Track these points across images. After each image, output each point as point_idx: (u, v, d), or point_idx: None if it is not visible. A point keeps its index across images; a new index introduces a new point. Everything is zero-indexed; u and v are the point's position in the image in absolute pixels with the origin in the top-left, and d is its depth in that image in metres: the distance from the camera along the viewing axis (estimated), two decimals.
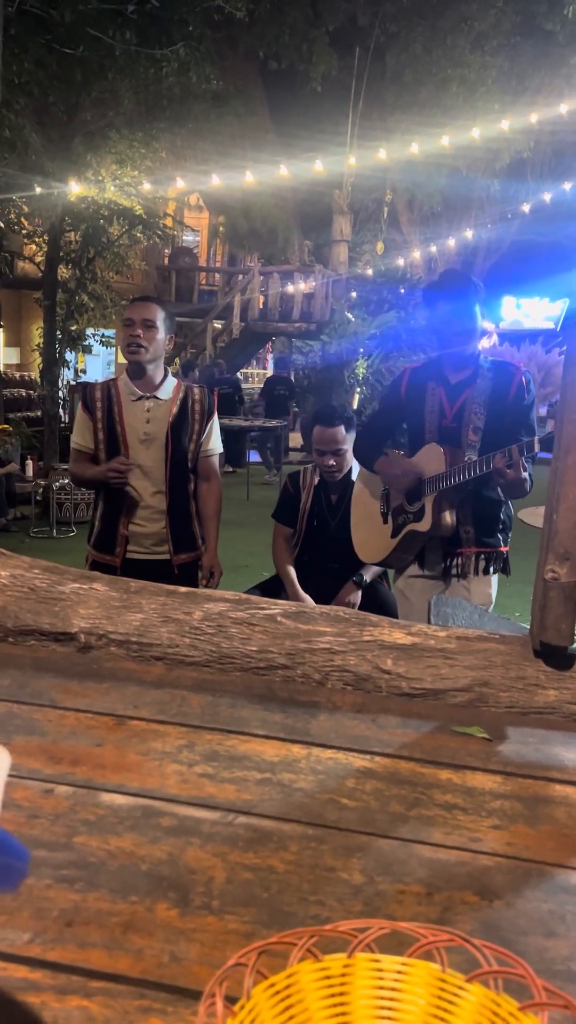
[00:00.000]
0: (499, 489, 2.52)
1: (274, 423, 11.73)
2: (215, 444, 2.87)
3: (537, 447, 2.20)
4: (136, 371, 2.72)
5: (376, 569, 3.11)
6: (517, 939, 0.80)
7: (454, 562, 2.59)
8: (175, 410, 2.75)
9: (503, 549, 2.61)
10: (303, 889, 0.85)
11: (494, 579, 2.63)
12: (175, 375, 2.88)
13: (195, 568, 2.88)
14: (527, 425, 2.48)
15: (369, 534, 2.83)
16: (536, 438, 2.23)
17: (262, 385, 14.88)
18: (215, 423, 2.86)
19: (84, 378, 15.13)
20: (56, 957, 0.74)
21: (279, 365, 14.20)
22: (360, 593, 3.09)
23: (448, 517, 2.50)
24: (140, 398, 2.73)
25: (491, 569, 2.60)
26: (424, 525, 2.53)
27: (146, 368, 2.72)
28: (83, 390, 2.86)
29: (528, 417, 2.49)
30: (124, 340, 2.70)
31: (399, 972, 0.61)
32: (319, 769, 1.09)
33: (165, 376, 2.78)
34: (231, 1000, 0.57)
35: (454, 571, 2.59)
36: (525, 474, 2.28)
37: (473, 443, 2.49)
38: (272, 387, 13.26)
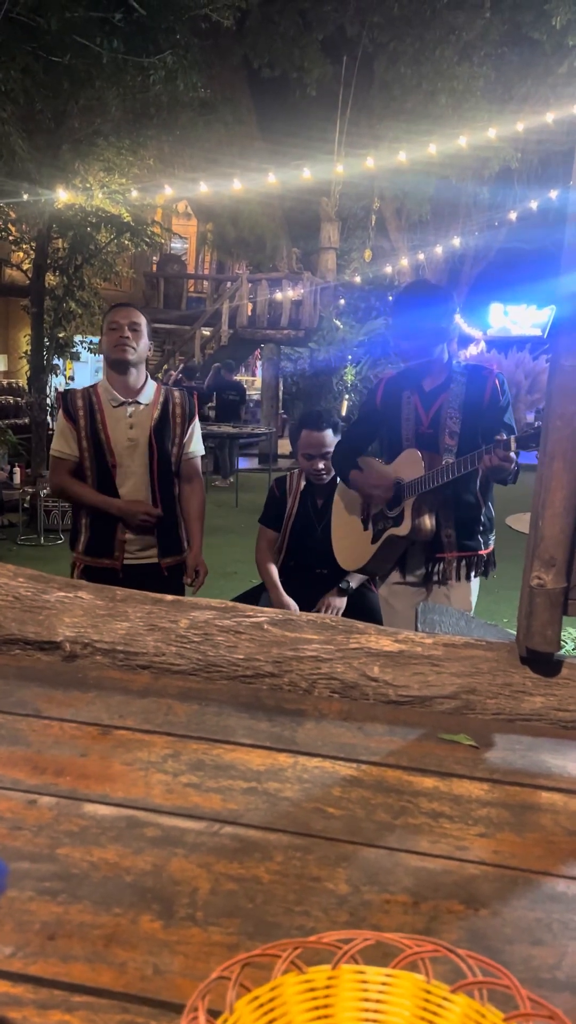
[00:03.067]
0: (478, 491, 2.54)
1: (262, 430, 11.77)
2: (197, 446, 2.89)
3: (514, 444, 2.18)
4: (119, 375, 2.72)
5: (362, 576, 3.11)
6: (503, 948, 0.79)
7: (436, 568, 2.60)
8: (156, 414, 2.75)
9: (483, 552, 2.61)
10: (288, 900, 0.84)
11: (475, 584, 2.64)
12: (155, 378, 2.88)
13: (181, 571, 2.88)
14: (506, 425, 2.48)
15: (349, 541, 2.83)
16: (513, 436, 2.20)
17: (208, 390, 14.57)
18: (196, 426, 2.88)
19: (72, 385, 15.11)
20: (38, 971, 0.73)
21: (228, 370, 14.00)
22: (344, 600, 3.08)
23: (427, 521, 2.51)
24: (122, 404, 2.73)
25: (472, 574, 2.60)
26: (403, 529, 2.53)
27: (130, 371, 2.72)
28: (63, 398, 2.82)
29: (505, 417, 2.50)
30: (111, 341, 2.69)
31: (384, 983, 0.61)
32: (305, 778, 1.09)
33: (146, 381, 2.79)
34: (214, 1014, 0.57)
35: (436, 577, 2.60)
36: (513, 455, 2.24)
37: (450, 447, 2.50)
38: (222, 392, 13.10)
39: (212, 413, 12.74)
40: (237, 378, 14.20)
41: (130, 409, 2.73)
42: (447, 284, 14.95)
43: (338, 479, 3.02)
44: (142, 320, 2.73)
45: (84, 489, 2.76)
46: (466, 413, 2.51)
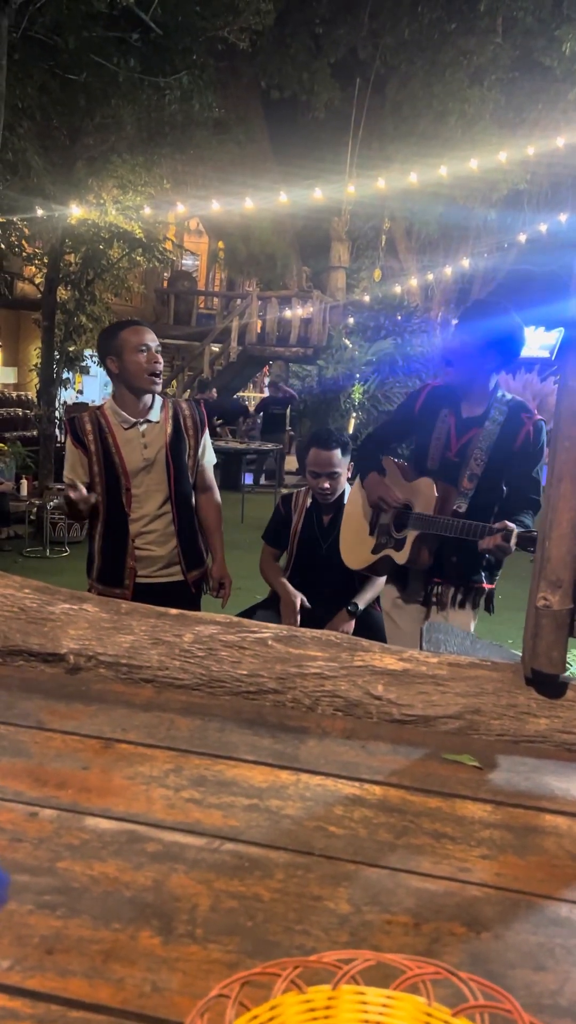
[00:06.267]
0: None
1: (269, 446, 11.95)
2: (210, 456, 2.88)
3: (514, 540, 2.12)
4: (136, 396, 2.69)
5: (369, 596, 3.10)
6: (505, 972, 0.78)
7: (433, 591, 2.59)
8: (169, 430, 2.72)
9: (485, 586, 2.56)
10: (289, 918, 0.84)
11: (473, 614, 2.61)
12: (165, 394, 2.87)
13: (202, 583, 2.87)
14: (532, 481, 2.42)
15: (355, 540, 2.83)
16: (516, 531, 2.13)
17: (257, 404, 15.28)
18: (207, 435, 2.87)
19: (81, 399, 15.19)
20: (36, 985, 0.73)
21: (274, 387, 14.46)
22: (353, 623, 3.07)
23: (426, 556, 2.51)
24: (133, 424, 2.68)
25: (467, 604, 2.56)
26: (401, 557, 2.54)
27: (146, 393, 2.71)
28: (71, 424, 2.76)
29: (533, 471, 2.43)
30: (143, 368, 2.62)
31: (384, 1005, 0.60)
32: (307, 796, 1.08)
33: (153, 397, 2.75)
34: None
35: (433, 599, 2.59)
36: (511, 546, 2.17)
37: (466, 491, 2.45)
38: (268, 406, 13.53)
39: (256, 426, 13.28)
40: (241, 394, 14.49)
41: (142, 428, 2.69)
42: (457, 305, 15.01)
43: (347, 494, 3.02)
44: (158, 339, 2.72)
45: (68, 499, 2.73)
46: (493, 456, 2.45)
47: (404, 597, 2.69)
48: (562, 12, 10.89)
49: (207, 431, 2.86)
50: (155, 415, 2.72)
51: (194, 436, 2.78)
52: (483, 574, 2.56)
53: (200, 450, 2.81)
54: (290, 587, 3.13)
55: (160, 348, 2.69)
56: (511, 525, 2.14)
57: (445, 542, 2.48)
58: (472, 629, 2.61)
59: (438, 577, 2.57)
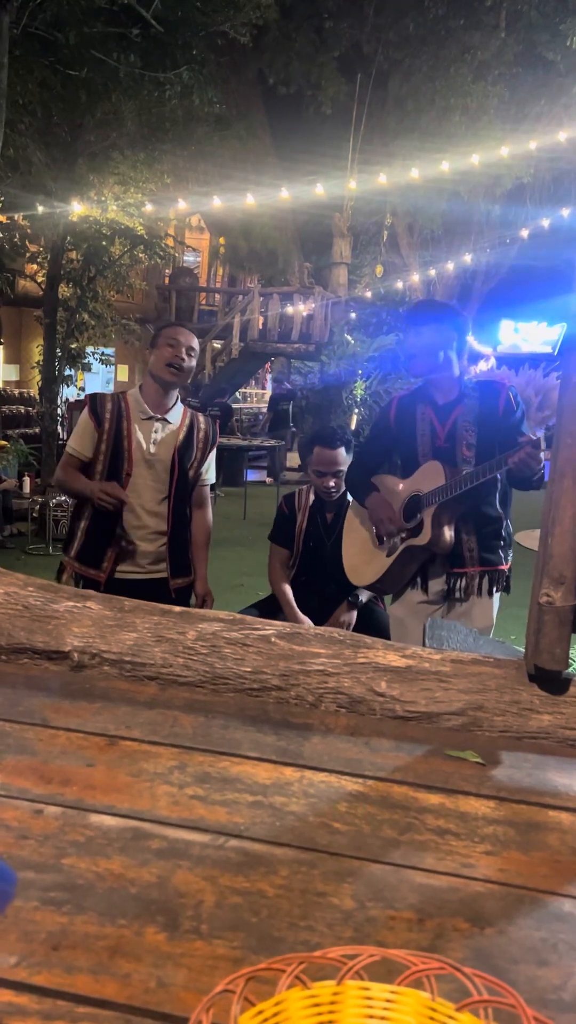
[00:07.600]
0: (498, 503, 2.54)
1: (271, 442, 12.00)
2: (211, 474, 2.91)
3: (543, 444, 2.20)
4: (159, 388, 2.74)
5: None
6: (509, 967, 0.79)
7: (457, 583, 2.56)
8: (182, 436, 2.77)
9: (503, 567, 2.58)
10: (293, 914, 0.84)
11: (496, 600, 2.61)
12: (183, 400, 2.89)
13: (189, 593, 2.87)
14: (523, 435, 2.47)
15: (361, 557, 2.81)
16: (542, 435, 2.23)
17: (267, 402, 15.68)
18: (214, 454, 2.90)
19: (83, 396, 15.22)
20: (42, 981, 0.73)
21: (278, 383, 14.67)
22: (355, 613, 3.08)
23: (447, 532, 2.48)
24: (150, 418, 2.73)
25: (494, 589, 2.58)
26: (423, 539, 2.50)
27: (170, 390, 2.75)
28: (92, 398, 2.82)
29: (520, 428, 2.50)
30: (165, 357, 2.69)
31: (388, 1000, 0.60)
32: (311, 792, 1.09)
33: (176, 401, 2.81)
34: None
35: (457, 594, 2.56)
36: (541, 453, 2.27)
37: (468, 458, 2.50)
38: (275, 404, 13.72)
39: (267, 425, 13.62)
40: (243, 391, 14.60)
41: (157, 425, 2.74)
42: (458, 300, 15.00)
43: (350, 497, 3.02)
44: (197, 346, 2.77)
45: (79, 479, 2.73)
46: (481, 426, 2.52)
47: (427, 599, 2.64)
48: (567, 6, 10.88)
49: (215, 450, 2.91)
50: (173, 417, 2.78)
51: (202, 449, 2.83)
52: (500, 553, 2.58)
53: (204, 465, 2.86)
54: (302, 616, 3.11)
55: (193, 351, 2.75)
56: (531, 436, 2.24)
57: (463, 518, 2.50)
58: (495, 618, 2.62)
59: (458, 567, 2.56)
